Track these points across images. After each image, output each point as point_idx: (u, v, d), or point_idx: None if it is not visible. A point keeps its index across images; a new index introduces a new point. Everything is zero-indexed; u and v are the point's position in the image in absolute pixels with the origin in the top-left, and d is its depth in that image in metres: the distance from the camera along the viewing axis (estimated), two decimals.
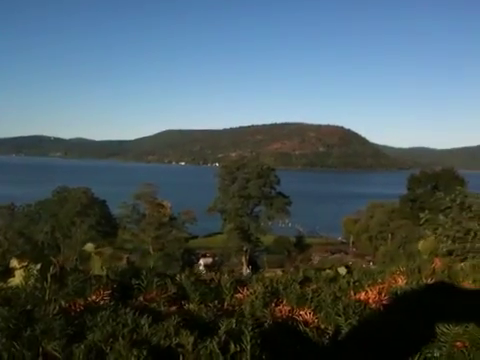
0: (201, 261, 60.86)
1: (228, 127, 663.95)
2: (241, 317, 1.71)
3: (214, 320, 1.65)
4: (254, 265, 61.21)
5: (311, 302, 1.92)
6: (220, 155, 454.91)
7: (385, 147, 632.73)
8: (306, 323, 1.75)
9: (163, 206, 62.24)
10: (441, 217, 18.14)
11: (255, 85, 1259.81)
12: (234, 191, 69.27)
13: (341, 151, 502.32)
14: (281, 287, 2.05)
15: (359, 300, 1.99)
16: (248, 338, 1.37)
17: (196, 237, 74.57)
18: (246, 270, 53.85)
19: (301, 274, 2.42)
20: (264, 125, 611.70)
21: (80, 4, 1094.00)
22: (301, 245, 71.41)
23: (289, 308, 1.88)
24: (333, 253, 70.24)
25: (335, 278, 2.60)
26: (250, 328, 1.43)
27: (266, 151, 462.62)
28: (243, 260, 64.70)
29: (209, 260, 62.65)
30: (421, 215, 20.24)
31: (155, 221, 58.14)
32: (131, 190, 61.29)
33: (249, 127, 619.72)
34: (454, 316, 1.63)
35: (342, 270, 2.78)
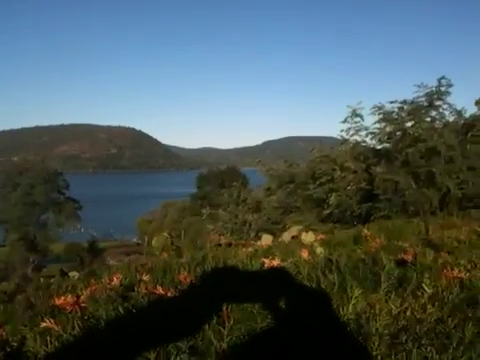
0: None
1: (8, 128, 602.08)
2: None
3: None
4: None
5: (4, 315, 1.77)
6: None
7: (176, 148, 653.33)
8: None
9: None
10: (221, 212, 19.43)
11: (39, 83, 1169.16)
12: (17, 198, 63.53)
13: (133, 152, 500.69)
14: None
15: (55, 306, 1.91)
16: None
17: None
18: None
19: (12, 285, 2.23)
20: (50, 126, 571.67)
21: None
22: (94, 250, 69.02)
23: None
24: (128, 255, 69.55)
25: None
26: None
27: (53, 154, 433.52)
28: (29, 272, 59.43)
29: None
30: (203, 211, 21.42)
31: None
32: None
33: (33, 128, 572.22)
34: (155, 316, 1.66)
35: (73, 274, 2.67)
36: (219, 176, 67.55)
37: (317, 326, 1.66)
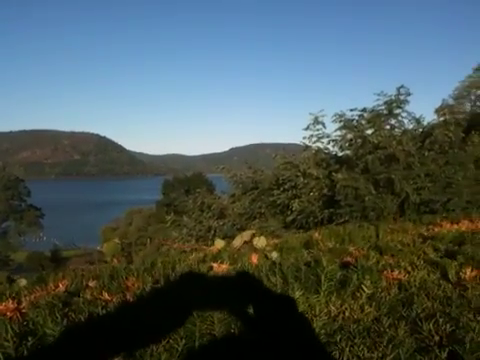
0: None
1: None
2: None
3: None
4: None
5: None
6: None
7: (141, 154, 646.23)
8: None
9: None
10: (185, 218, 19.29)
11: None
12: None
13: (97, 159, 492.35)
14: None
15: None
16: None
17: None
18: None
19: None
20: (11, 132, 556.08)
21: None
22: (57, 259, 67.35)
23: None
24: (92, 263, 67.83)
25: None
26: None
27: (14, 160, 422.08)
28: None
29: None
30: (167, 218, 21.22)
31: None
32: None
33: None
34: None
35: (20, 280, 2.65)
36: (185, 183, 67.13)
37: (255, 326, 1.70)
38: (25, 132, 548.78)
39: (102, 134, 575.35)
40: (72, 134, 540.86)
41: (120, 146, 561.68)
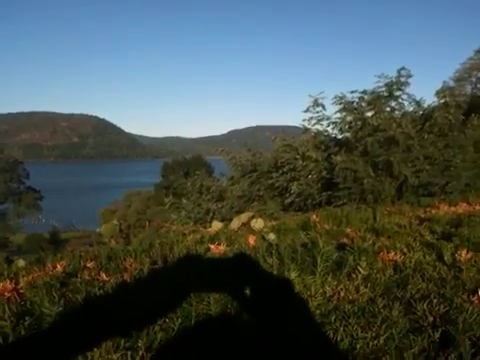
0: None
1: None
2: None
3: None
4: None
5: None
6: None
7: (141, 137, 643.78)
8: None
9: None
10: (184, 201, 19.31)
11: None
12: None
13: (96, 141, 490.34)
14: None
15: None
16: None
17: None
18: None
19: None
20: (9, 114, 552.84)
21: None
22: (56, 241, 67.69)
23: None
24: (91, 245, 68.04)
25: None
26: None
27: (13, 142, 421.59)
28: None
29: None
30: (166, 200, 21.27)
31: None
32: None
33: None
34: None
35: (19, 261, 2.69)
36: (184, 165, 67.01)
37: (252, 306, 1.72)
38: (23, 114, 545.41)
39: (101, 116, 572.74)
40: (71, 116, 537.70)
41: (119, 128, 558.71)
